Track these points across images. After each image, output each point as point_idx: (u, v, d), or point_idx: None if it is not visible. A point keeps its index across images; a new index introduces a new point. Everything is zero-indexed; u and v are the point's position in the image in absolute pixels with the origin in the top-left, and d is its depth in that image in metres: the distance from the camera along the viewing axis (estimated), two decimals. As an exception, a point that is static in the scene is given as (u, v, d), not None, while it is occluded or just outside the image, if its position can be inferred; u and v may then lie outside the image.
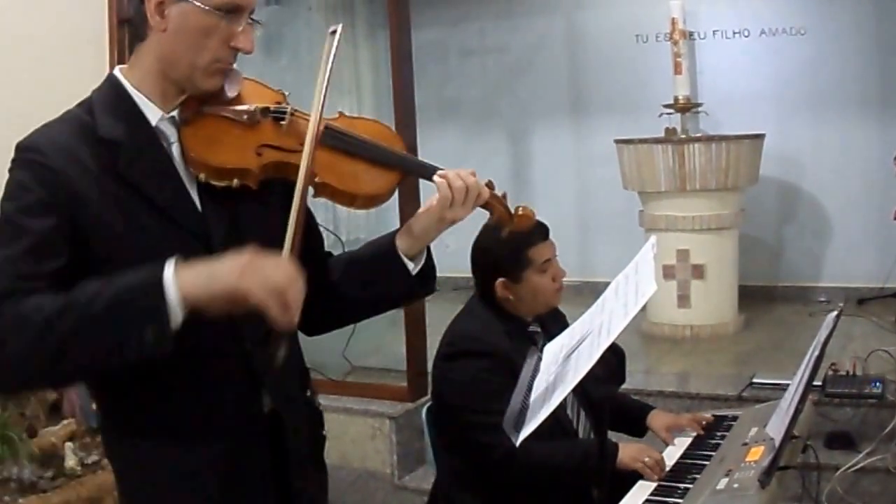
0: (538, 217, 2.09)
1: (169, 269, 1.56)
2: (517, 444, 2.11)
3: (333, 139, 1.87)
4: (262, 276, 1.55)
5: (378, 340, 5.56)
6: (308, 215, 1.90)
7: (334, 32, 1.86)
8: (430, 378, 3.25)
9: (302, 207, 1.73)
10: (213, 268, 1.57)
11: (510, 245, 2.95)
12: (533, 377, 2.30)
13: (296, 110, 1.88)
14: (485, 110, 7.52)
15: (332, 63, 1.85)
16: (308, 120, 1.83)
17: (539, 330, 3.08)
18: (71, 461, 4.09)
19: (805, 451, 2.67)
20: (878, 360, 4.57)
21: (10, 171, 1.69)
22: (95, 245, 1.68)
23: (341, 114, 1.97)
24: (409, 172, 1.97)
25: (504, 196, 2.01)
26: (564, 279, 3.09)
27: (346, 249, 2.11)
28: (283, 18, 5.96)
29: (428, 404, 3.19)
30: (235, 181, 1.78)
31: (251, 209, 1.82)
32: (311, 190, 1.83)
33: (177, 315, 1.55)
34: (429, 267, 2.00)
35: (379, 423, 4.77)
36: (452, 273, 6.82)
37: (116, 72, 1.82)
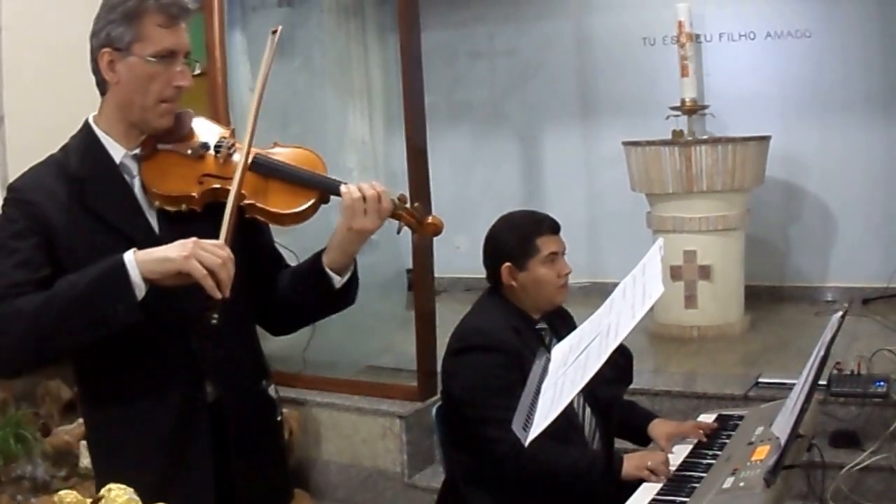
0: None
1: (129, 255, 1.94)
2: (526, 444, 2.14)
3: (258, 166, 2.17)
4: (201, 259, 1.92)
5: (389, 340, 5.58)
6: (266, 237, 2.35)
7: (275, 32, 2.24)
8: (440, 376, 3.29)
9: (234, 212, 2.06)
10: (164, 252, 1.95)
11: (520, 231, 3.06)
12: (542, 379, 2.33)
13: (234, 143, 2.20)
14: (494, 113, 7.54)
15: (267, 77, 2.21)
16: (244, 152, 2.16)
17: (546, 328, 3.11)
18: (85, 460, 4.11)
19: (810, 450, 2.68)
20: (883, 360, 4.60)
21: (3, 204, 2.09)
22: (65, 266, 2.02)
23: (276, 143, 2.28)
24: (323, 190, 2.20)
25: (417, 207, 2.25)
26: (573, 280, 3.11)
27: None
28: (295, 21, 5.97)
29: (438, 403, 3.22)
30: (183, 206, 2.12)
31: (201, 230, 2.06)
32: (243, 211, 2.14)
33: (141, 290, 1.93)
34: (350, 282, 2.28)
35: (389, 423, 4.80)
36: (463, 274, 6.89)
37: (90, 119, 2.17)
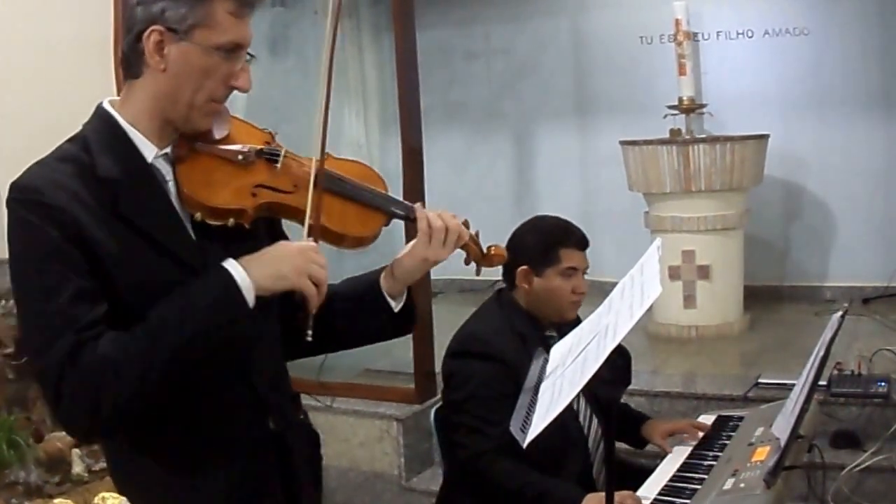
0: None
1: (237, 271, 1.72)
2: (524, 445, 2.12)
3: (330, 182, 1.93)
4: (312, 275, 1.77)
5: (386, 343, 5.54)
6: None
7: None
8: (438, 379, 3.27)
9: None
10: (277, 267, 1.76)
11: (546, 237, 3.04)
12: (540, 379, 2.31)
13: (288, 152, 1.93)
14: (490, 112, 7.52)
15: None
16: (300, 162, 1.93)
17: (555, 335, 3.04)
18: (78, 468, 4.10)
19: (811, 451, 2.68)
20: (883, 360, 4.59)
21: (13, 211, 1.69)
22: (99, 277, 1.69)
23: (329, 155, 1.99)
24: (391, 214, 2.02)
25: (477, 234, 2.13)
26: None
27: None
28: (288, 20, 5.96)
29: (436, 406, 3.21)
30: (231, 220, 1.81)
31: (244, 245, 1.83)
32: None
33: (252, 303, 1.72)
34: (409, 307, 2.11)
35: (387, 425, 4.78)
36: (458, 275, 6.86)
37: (107, 105, 1.82)
